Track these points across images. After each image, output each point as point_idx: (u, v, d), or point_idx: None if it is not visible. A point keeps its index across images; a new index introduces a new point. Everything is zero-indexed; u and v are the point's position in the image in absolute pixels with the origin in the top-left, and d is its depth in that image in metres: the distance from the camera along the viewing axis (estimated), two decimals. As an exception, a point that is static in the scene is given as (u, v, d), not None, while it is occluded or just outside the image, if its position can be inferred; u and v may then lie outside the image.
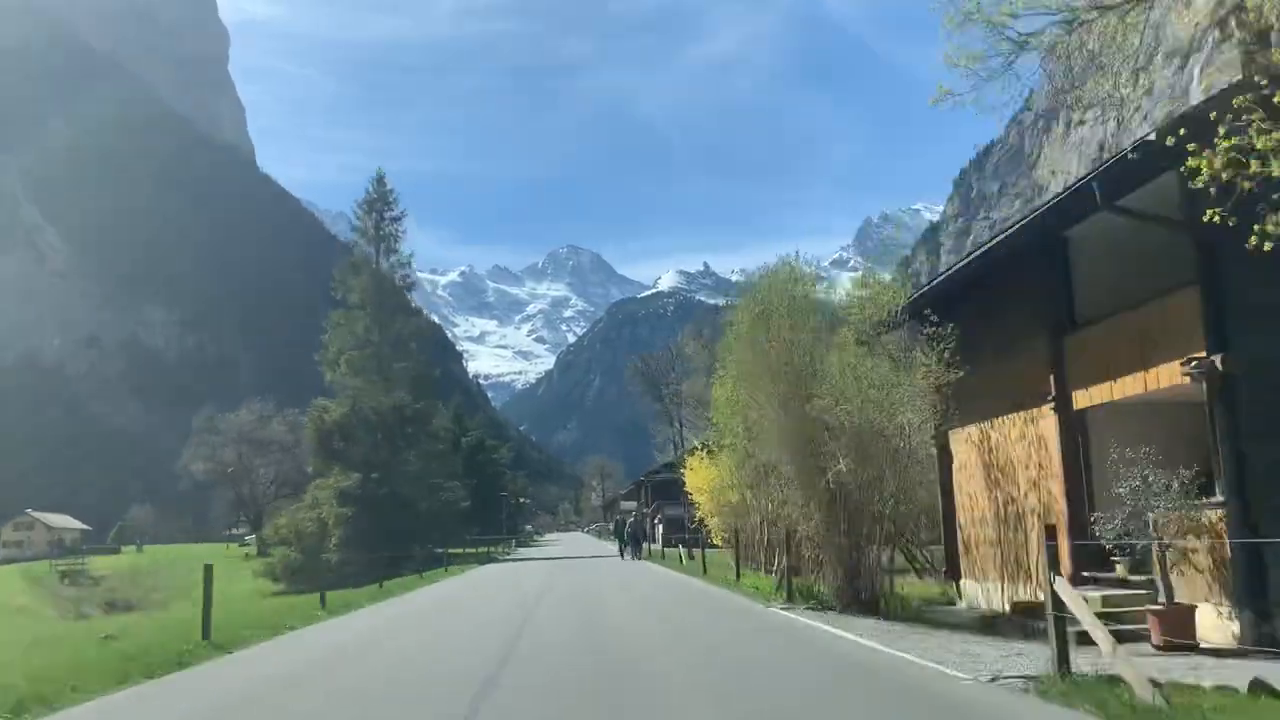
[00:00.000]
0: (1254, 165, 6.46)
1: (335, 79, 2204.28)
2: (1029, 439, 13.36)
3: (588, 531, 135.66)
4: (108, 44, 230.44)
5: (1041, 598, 8.95)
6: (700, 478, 26.72)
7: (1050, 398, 12.63)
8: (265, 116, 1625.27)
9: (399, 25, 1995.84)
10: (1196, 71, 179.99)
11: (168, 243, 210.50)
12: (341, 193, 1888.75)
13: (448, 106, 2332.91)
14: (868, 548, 15.38)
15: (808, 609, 15.42)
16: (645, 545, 50.51)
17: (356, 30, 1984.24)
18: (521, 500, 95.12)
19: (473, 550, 56.56)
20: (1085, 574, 11.61)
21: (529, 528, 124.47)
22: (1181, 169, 6.98)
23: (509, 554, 61.21)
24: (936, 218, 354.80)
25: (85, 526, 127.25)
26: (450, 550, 49.85)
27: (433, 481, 53.99)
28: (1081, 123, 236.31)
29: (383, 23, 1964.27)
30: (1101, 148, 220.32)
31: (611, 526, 73.72)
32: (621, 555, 45.63)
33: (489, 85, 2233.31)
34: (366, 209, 56.23)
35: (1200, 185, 6.84)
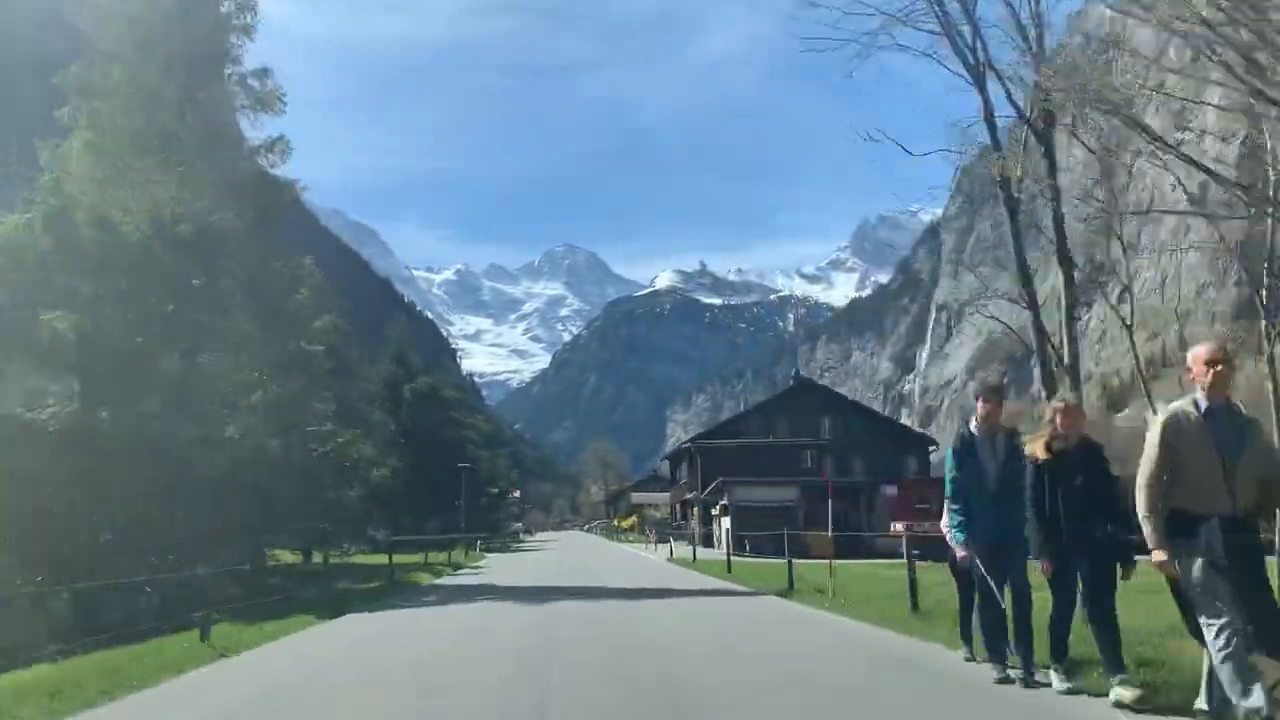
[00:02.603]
0: None
1: (333, 77, 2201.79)
2: None
3: (588, 529, 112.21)
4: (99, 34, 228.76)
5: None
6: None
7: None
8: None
9: (398, 24, 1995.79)
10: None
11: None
12: (338, 191, 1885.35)
13: (446, 105, 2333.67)
14: None
15: None
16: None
17: (356, 29, 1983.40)
18: (503, 490, 71.09)
19: (382, 560, 28.10)
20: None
21: (518, 525, 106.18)
22: None
23: (444, 574, 28.72)
24: (934, 220, 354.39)
25: None
26: (331, 559, 33.93)
27: (294, 415, 26.65)
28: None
29: (382, 22, 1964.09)
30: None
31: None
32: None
33: (487, 84, 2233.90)
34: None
35: None
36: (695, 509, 56.52)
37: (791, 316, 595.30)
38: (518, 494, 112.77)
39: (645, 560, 34.77)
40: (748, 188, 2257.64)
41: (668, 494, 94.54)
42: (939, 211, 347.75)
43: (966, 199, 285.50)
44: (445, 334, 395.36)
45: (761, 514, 39.18)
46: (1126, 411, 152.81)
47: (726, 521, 41.73)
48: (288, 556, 31.63)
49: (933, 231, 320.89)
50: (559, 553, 45.95)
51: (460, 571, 29.48)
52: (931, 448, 60.67)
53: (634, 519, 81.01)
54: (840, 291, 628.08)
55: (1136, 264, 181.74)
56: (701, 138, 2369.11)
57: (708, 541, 48.37)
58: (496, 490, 69.12)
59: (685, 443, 63.18)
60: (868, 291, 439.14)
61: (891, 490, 42.37)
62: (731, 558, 26.09)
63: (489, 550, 50.56)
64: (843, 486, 44.51)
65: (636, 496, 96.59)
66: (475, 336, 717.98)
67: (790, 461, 52.68)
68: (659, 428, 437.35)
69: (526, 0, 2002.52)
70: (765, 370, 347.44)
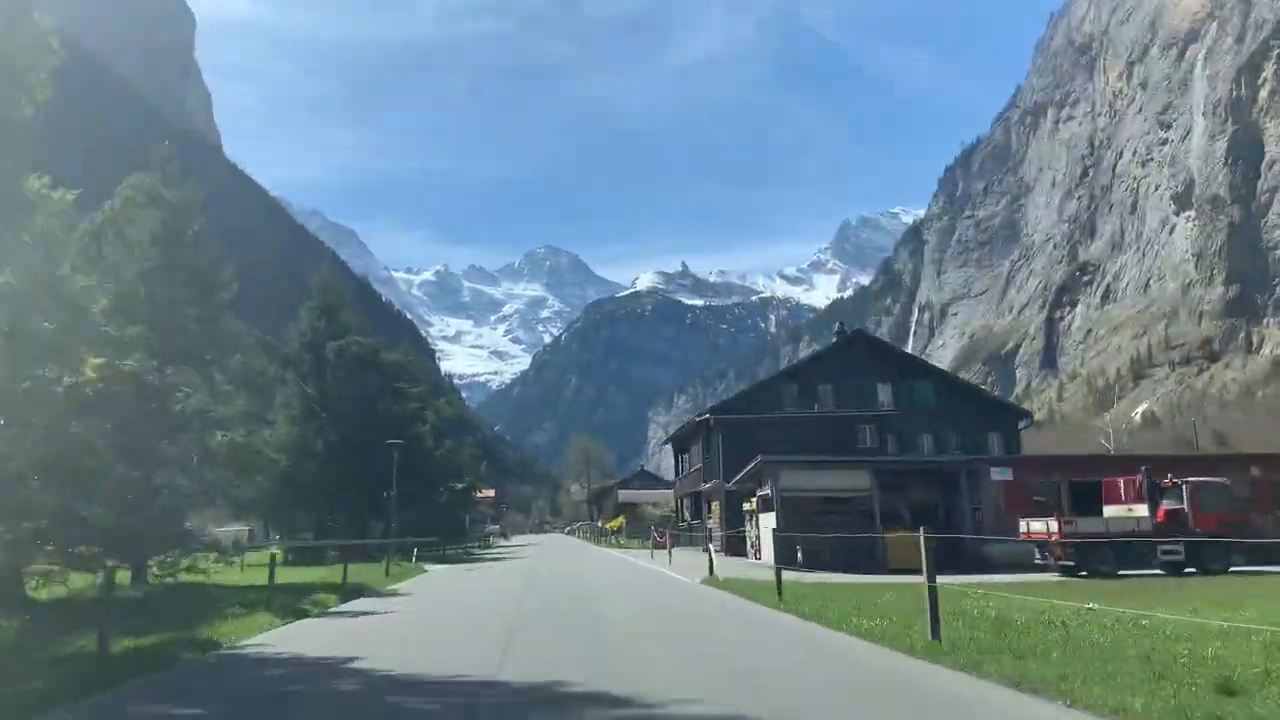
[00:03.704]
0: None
1: (313, 78, 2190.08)
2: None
3: (570, 532, 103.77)
4: (67, 24, 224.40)
5: None
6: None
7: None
8: (250, 117, 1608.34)
9: (380, 26, 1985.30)
10: (1200, 58, 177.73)
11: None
12: (316, 192, 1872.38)
13: (427, 107, 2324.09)
14: None
15: None
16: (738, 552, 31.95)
17: (336, 30, 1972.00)
18: (469, 486, 60.10)
19: (234, 581, 22.44)
20: None
21: (494, 528, 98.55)
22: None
23: (318, 609, 17.12)
24: (914, 221, 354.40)
25: None
26: (186, 573, 19.92)
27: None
28: (1070, 119, 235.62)
29: (364, 23, 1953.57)
30: (1092, 144, 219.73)
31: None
32: None
33: (469, 86, 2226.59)
34: None
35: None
36: (715, 504, 42.55)
37: (773, 318, 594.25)
38: (491, 493, 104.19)
39: (655, 578, 24.36)
40: (729, 190, 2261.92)
41: (663, 490, 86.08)
42: (920, 212, 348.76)
43: (949, 199, 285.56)
44: (424, 335, 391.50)
45: (818, 508, 28.31)
46: (1116, 409, 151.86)
47: (768, 519, 28.98)
48: (80, 579, 17.72)
49: (915, 231, 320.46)
50: (531, 564, 35.34)
51: (351, 603, 18.01)
52: (1023, 422, 48.51)
53: (621, 519, 72.50)
54: (822, 293, 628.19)
55: (1121, 261, 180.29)
56: (683, 140, 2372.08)
57: (734, 547, 36.85)
58: (461, 486, 57.10)
59: (700, 416, 47.00)
60: (849, 293, 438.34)
61: (1002, 474, 29.51)
62: (779, 572, 17.36)
63: (438, 559, 40.31)
64: (925, 471, 32.28)
65: (624, 494, 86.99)
66: (455, 338, 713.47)
67: (841, 439, 40.09)
68: (640, 429, 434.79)
69: (508, 2, 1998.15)
70: (747, 371, 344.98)
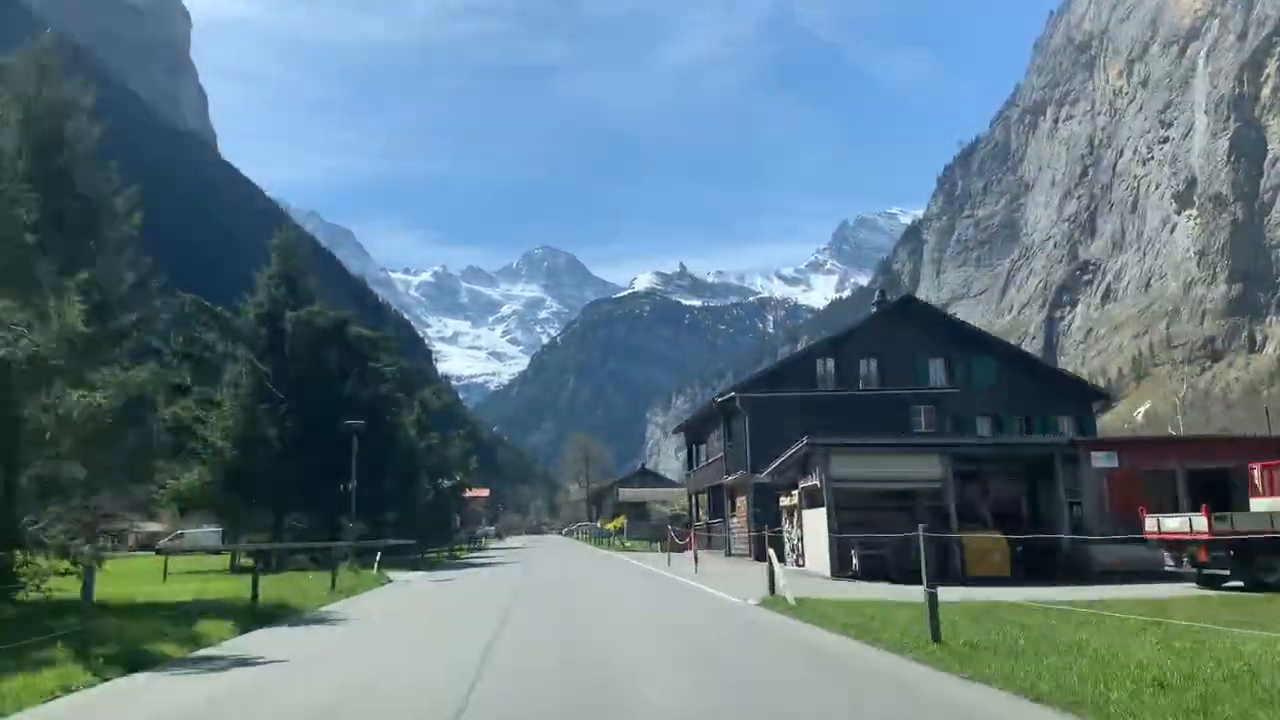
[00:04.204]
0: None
1: (310, 79, 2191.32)
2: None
3: (568, 533, 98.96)
4: (66, 23, 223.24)
5: None
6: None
7: None
8: (246, 118, 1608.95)
9: (376, 27, 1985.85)
10: (1202, 56, 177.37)
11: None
12: (314, 193, 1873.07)
13: (424, 108, 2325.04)
14: None
15: None
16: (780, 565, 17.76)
17: (334, 32, 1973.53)
18: (458, 484, 54.92)
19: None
20: None
21: (491, 529, 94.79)
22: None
23: (197, 644, 11.71)
24: (913, 221, 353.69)
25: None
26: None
27: None
28: (1070, 117, 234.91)
29: (360, 24, 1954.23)
30: (1091, 143, 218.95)
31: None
32: None
33: (464, 87, 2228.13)
34: None
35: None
36: (740, 500, 36.24)
37: (771, 318, 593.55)
38: (485, 492, 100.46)
39: (690, 598, 18.23)
40: (727, 190, 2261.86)
41: (668, 488, 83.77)
42: (918, 213, 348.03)
43: (948, 199, 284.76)
44: (422, 336, 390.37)
45: (875, 503, 23.14)
46: (1118, 409, 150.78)
47: (816, 517, 23.49)
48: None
49: (914, 231, 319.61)
50: (522, 571, 30.00)
51: (240, 640, 12.45)
52: (1098, 403, 42.83)
53: (622, 519, 69.44)
54: (820, 293, 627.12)
55: (1122, 260, 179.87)
56: (681, 140, 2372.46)
57: (763, 550, 26.24)
58: (449, 483, 52.61)
59: (721, 396, 39.18)
60: (847, 293, 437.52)
61: (1106, 460, 23.04)
62: (933, 599, 10.86)
63: (413, 565, 34.94)
64: (1008, 457, 25.65)
65: (625, 493, 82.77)
66: (453, 339, 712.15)
67: (890, 423, 33.10)
68: (639, 430, 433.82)
69: (502, 3, 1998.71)
70: (745, 372, 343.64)
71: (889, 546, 20.85)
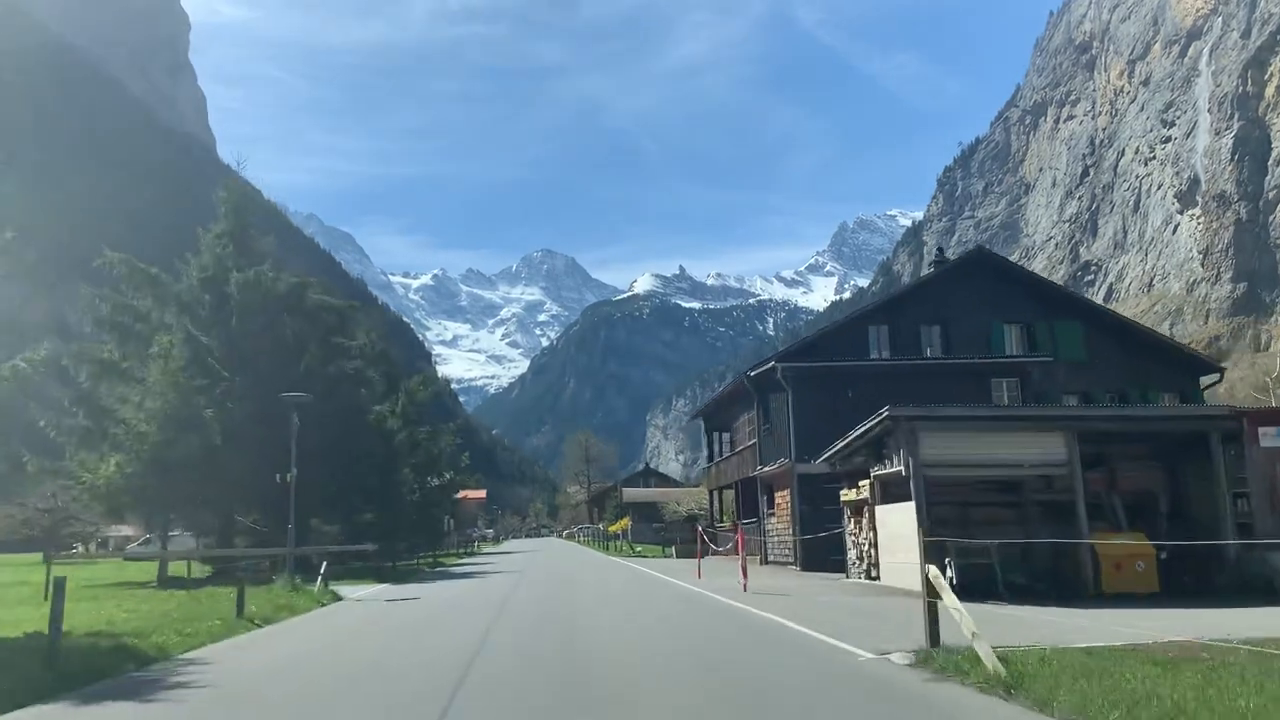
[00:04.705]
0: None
1: (309, 83, 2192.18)
2: None
3: (568, 535, 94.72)
4: (63, 25, 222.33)
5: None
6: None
7: None
8: (244, 121, 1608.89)
9: (374, 30, 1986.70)
10: (1205, 54, 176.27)
11: (116, 230, 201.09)
12: (314, 196, 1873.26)
13: (422, 111, 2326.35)
14: None
15: None
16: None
17: (332, 36, 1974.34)
18: (448, 482, 50.08)
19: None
20: None
21: (490, 532, 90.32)
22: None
23: None
24: (912, 223, 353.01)
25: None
26: None
27: None
28: (1071, 118, 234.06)
29: (358, 28, 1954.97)
30: (1093, 143, 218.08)
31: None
32: None
33: (463, 90, 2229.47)
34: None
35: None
36: (783, 495, 29.37)
37: (771, 320, 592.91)
38: (482, 493, 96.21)
39: (790, 651, 10.44)
40: (726, 192, 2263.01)
41: (673, 488, 79.17)
42: (918, 214, 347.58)
43: (948, 200, 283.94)
44: (422, 339, 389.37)
45: (971, 495, 18.36)
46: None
47: (899, 514, 18.13)
48: None
49: (914, 232, 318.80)
50: (513, 583, 24.09)
51: None
52: (1208, 377, 35.28)
53: (626, 521, 66.32)
54: (819, 295, 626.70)
55: (1124, 261, 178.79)
56: (680, 142, 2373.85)
57: (816, 557, 25.55)
58: (438, 482, 47.89)
59: (757, 369, 31.99)
60: (847, 295, 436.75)
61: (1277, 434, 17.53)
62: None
63: (382, 575, 29.15)
64: (1145, 434, 19.28)
65: (630, 493, 77.81)
66: (452, 342, 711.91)
67: (964, 399, 26.02)
68: (639, 432, 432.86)
69: (499, 6, 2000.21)
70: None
71: (996, 552, 15.95)
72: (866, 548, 20.49)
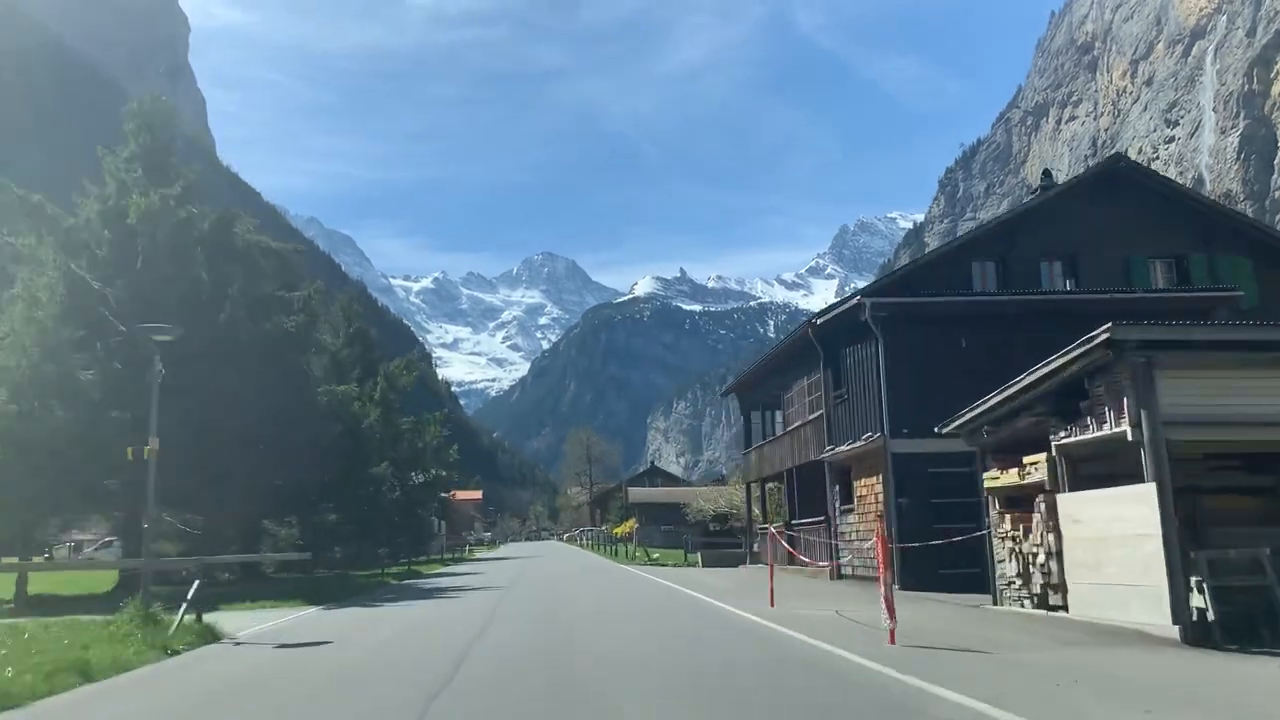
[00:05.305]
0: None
1: (309, 86, 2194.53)
2: None
3: (569, 538, 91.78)
4: (62, 26, 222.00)
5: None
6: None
7: None
8: (244, 125, 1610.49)
9: (373, 34, 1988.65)
10: (1209, 53, 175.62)
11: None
12: (314, 200, 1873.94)
13: (421, 115, 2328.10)
14: None
15: None
16: None
17: (332, 40, 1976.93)
18: (435, 479, 45.09)
19: None
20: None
21: (488, 535, 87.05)
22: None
23: None
24: (913, 225, 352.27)
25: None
26: None
27: None
28: (1073, 118, 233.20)
29: (357, 31, 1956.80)
30: (1095, 144, 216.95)
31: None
32: None
33: (462, 93, 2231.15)
34: None
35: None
36: (868, 484, 21.48)
37: (772, 323, 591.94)
38: (478, 494, 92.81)
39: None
40: (727, 195, 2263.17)
41: (681, 488, 74.35)
42: (918, 216, 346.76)
43: (949, 201, 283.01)
44: (423, 342, 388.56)
45: (1204, 477, 11.43)
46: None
47: (1117, 505, 10.93)
48: None
49: (915, 234, 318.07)
50: (492, 612, 15.59)
51: None
52: None
53: (633, 523, 62.29)
54: (820, 298, 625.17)
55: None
56: (680, 145, 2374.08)
57: (922, 572, 18.10)
58: (423, 479, 42.41)
59: (827, 314, 23.49)
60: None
61: None
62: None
63: (312, 593, 20.33)
64: None
65: (636, 493, 72.71)
66: (453, 345, 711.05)
67: None
68: (640, 435, 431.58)
69: (498, 9, 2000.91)
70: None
71: (1274, 567, 10.03)
72: (1041, 559, 13.10)
